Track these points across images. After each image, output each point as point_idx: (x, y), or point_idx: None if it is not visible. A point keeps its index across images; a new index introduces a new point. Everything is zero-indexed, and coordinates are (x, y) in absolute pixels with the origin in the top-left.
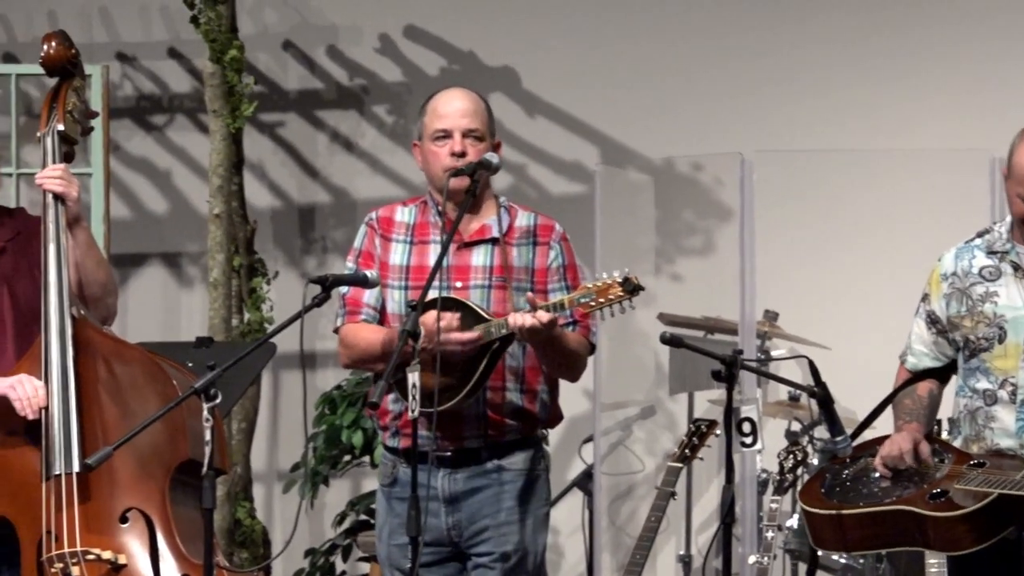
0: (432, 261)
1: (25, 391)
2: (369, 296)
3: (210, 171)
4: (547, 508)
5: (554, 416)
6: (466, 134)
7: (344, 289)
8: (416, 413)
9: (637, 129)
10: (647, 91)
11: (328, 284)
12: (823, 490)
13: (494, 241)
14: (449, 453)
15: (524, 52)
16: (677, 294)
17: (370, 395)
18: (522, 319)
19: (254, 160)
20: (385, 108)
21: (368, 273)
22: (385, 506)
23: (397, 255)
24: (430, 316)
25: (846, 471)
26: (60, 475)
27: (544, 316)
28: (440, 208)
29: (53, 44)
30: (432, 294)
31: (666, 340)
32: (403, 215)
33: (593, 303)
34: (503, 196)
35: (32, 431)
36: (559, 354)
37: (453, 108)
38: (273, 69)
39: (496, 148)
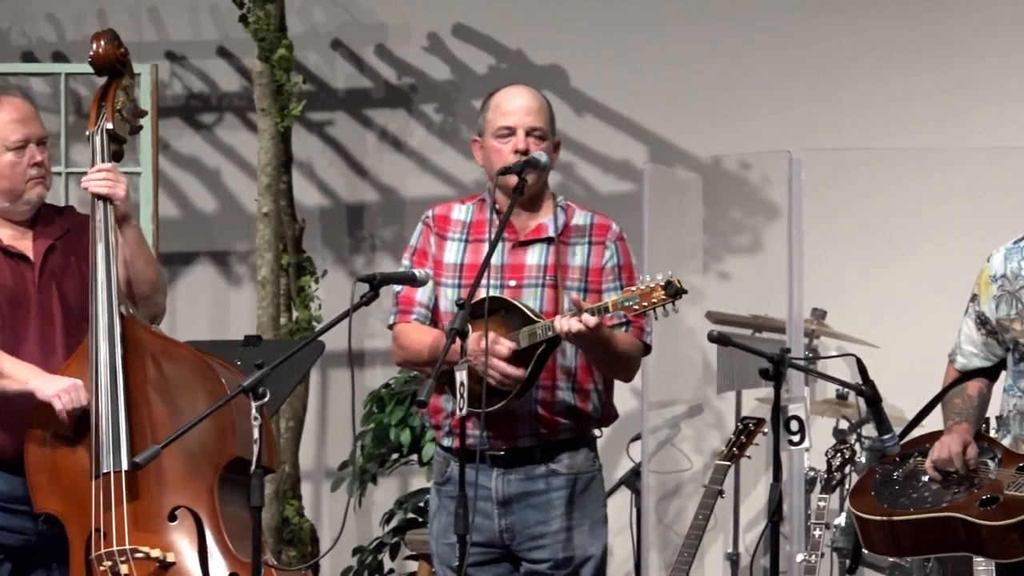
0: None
1: (70, 400)
2: (422, 295)
3: (259, 170)
4: (604, 510)
5: (608, 415)
6: (529, 132)
7: (398, 287)
8: (464, 411)
9: (685, 127)
10: (695, 89)
11: (376, 283)
12: (873, 493)
13: (549, 240)
14: (503, 452)
15: (572, 51)
16: (725, 292)
17: (419, 393)
18: (567, 323)
19: (303, 159)
20: (434, 107)
21: (416, 272)
22: (437, 504)
23: (451, 253)
24: (477, 336)
25: (896, 472)
26: (109, 473)
27: (589, 319)
28: (497, 206)
29: (102, 43)
30: (483, 293)
31: (714, 338)
32: (460, 213)
33: (636, 306)
34: (561, 195)
35: (82, 430)
36: (608, 355)
37: (518, 105)
38: (322, 68)
39: (555, 148)
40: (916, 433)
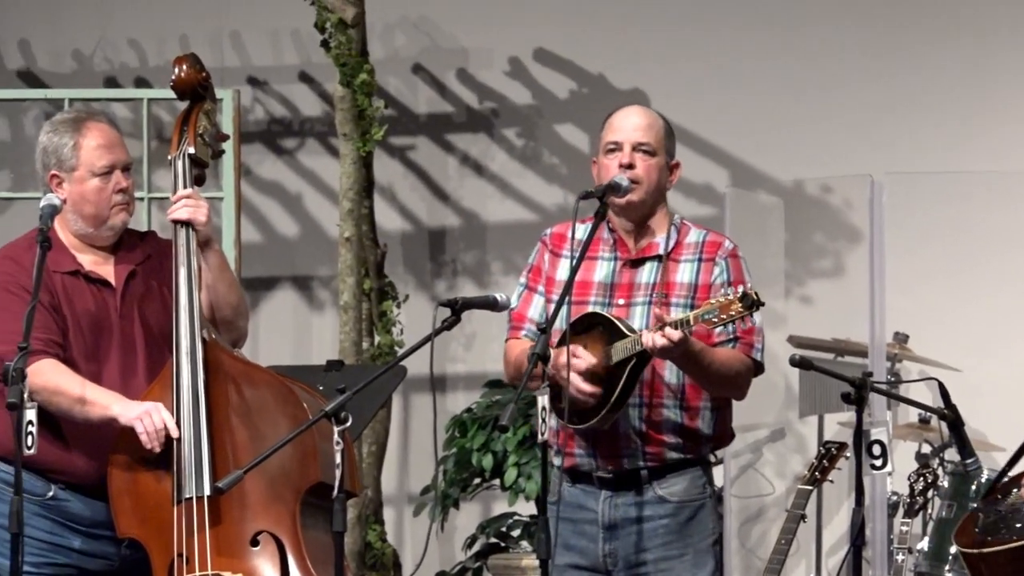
0: (597, 277)
1: (153, 424)
2: (533, 311)
3: (340, 195)
4: (711, 538)
5: (722, 435)
6: (636, 147)
7: (512, 304)
8: (544, 436)
9: (766, 151)
10: (777, 113)
11: (458, 307)
12: (977, 529)
13: (659, 258)
14: (610, 475)
15: (653, 74)
16: (807, 316)
17: (501, 417)
18: (650, 336)
19: (384, 183)
20: (515, 131)
21: (497, 296)
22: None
23: (564, 270)
24: (558, 351)
25: (1000, 507)
26: (191, 498)
27: (672, 333)
28: (611, 224)
29: (184, 67)
30: (593, 309)
31: (796, 362)
32: (579, 232)
33: (716, 319)
34: (677, 214)
35: (164, 454)
36: (704, 372)
37: (628, 122)
38: (403, 92)
39: (673, 169)
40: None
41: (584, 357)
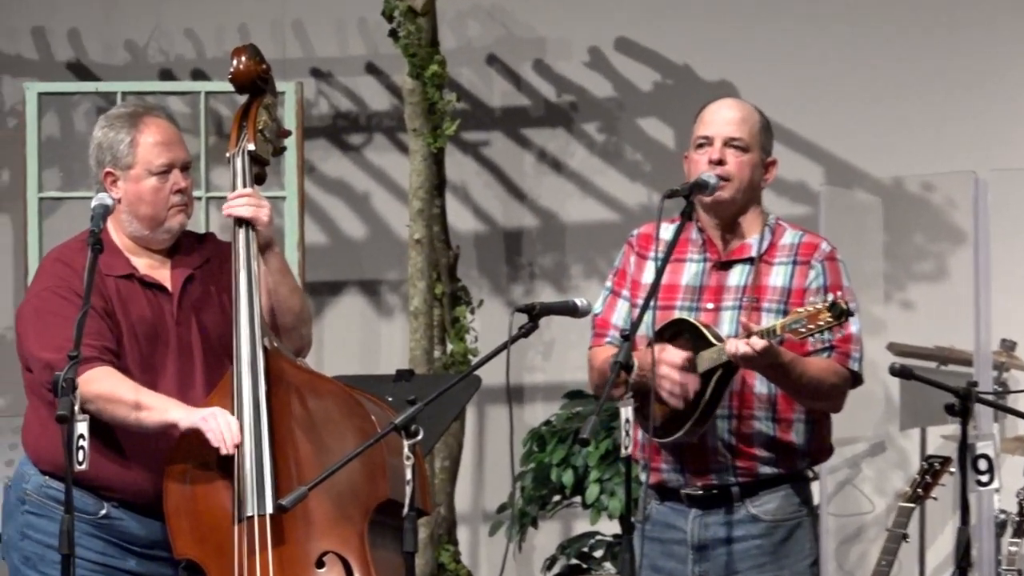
0: (684, 279)
1: (219, 424)
2: (617, 317)
3: (410, 194)
4: (808, 560)
5: (819, 449)
6: (728, 143)
7: (597, 309)
8: (628, 450)
9: (864, 147)
10: (875, 107)
11: (535, 313)
12: None
13: (751, 260)
14: (700, 492)
15: (743, 66)
16: (908, 323)
17: (582, 431)
18: (735, 345)
19: (457, 182)
20: (595, 125)
21: (577, 301)
22: (639, 543)
23: (650, 273)
24: (644, 351)
25: None
26: (253, 517)
27: (756, 342)
28: (699, 223)
29: (243, 59)
30: (679, 313)
31: (896, 372)
32: (664, 232)
33: (803, 329)
34: (772, 214)
35: (224, 470)
36: (795, 383)
37: (719, 116)
38: (476, 85)
39: (769, 166)
40: None
41: (675, 351)
